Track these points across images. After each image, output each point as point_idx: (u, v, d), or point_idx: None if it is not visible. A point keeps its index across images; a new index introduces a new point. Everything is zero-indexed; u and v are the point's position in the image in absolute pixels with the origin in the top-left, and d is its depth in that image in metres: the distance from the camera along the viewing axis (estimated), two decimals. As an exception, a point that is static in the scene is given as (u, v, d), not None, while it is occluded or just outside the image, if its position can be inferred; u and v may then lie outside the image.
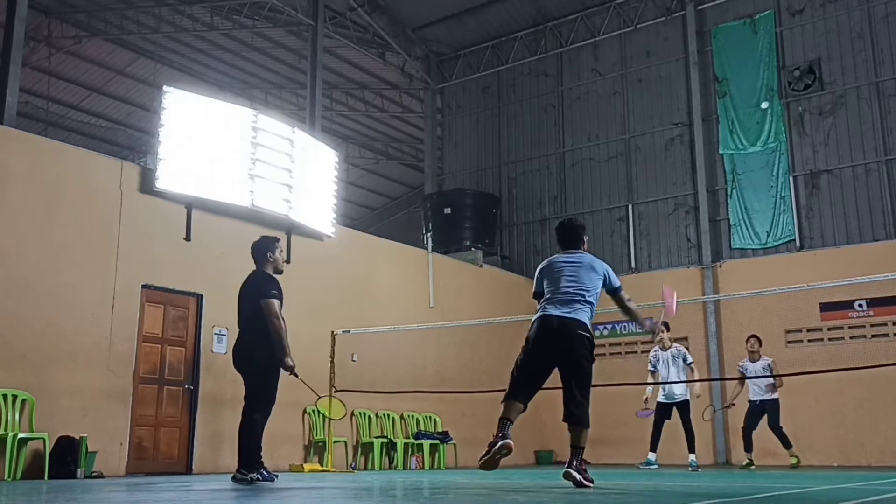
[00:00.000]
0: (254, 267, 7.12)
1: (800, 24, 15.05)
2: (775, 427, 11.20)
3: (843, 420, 13.01)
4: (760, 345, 11.47)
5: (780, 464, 13.25)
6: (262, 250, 7.05)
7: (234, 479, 6.50)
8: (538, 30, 18.14)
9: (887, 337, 12.92)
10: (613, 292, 6.22)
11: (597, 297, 6.07)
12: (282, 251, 7.26)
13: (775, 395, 11.21)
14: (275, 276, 7.03)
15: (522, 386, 5.90)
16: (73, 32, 17.76)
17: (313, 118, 15.06)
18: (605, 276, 6.09)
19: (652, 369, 11.16)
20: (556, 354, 5.87)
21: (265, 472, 6.55)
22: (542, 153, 17.70)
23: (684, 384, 10.82)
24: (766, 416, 11.28)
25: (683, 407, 10.80)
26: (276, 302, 6.81)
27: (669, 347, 11.10)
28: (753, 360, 11.38)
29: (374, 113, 22.65)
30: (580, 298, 5.95)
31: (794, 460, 11.21)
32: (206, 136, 10.56)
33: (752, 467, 11.14)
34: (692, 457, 10.78)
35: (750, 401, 11.36)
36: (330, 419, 10.08)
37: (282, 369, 6.93)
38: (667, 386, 10.79)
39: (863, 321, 13.12)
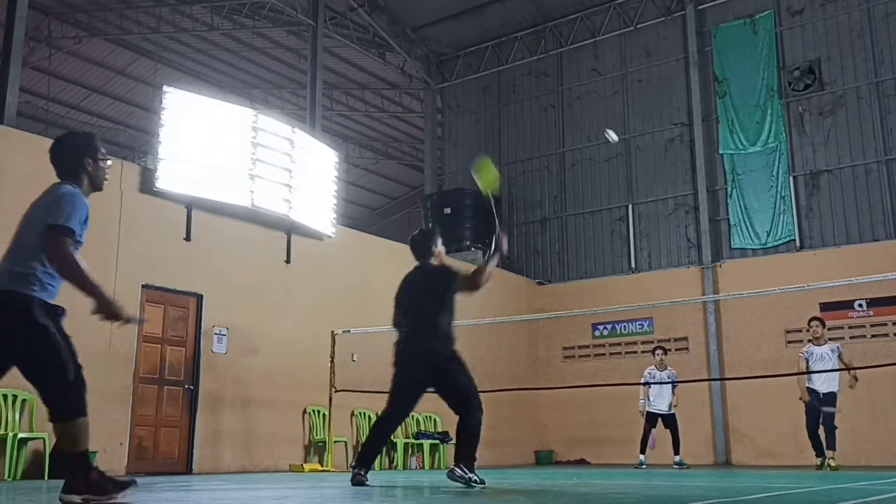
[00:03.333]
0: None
1: (800, 24, 15.05)
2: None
3: (843, 420, 12.94)
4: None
5: (780, 464, 13.26)
6: (425, 244, 6.47)
7: (451, 473, 5.78)
8: (538, 30, 18.14)
9: (887, 337, 12.92)
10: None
11: None
12: (442, 243, 6.59)
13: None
14: None
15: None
16: (73, 32, 17.77)
17: (313, 118, 15.06)
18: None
19: (645, 384, 12.19)
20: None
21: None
22: (542, 153, 17.70)
23: (669, 400, 12.16)
24: None
25: (670, 419, 12.11)
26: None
27: (665, 370, 12.22)
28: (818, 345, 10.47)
29: (374, 113, 22.64)
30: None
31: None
32: (206, 136, 10.56)
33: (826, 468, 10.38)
34: (677, 457, 11.95)
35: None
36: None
37: (457, 362, 6.15)
38: (656, 401, 12.09)
39: (863, 321, 13.12)
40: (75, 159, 4.42)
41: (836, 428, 10.15)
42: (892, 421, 12.65)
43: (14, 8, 10.94)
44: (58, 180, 4.37)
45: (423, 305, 6.19)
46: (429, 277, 6.30)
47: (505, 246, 6.22)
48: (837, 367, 10.11)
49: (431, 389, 6.16)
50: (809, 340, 10.58)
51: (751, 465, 13.54)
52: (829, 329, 13.23)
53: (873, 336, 13.00)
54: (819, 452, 10.30)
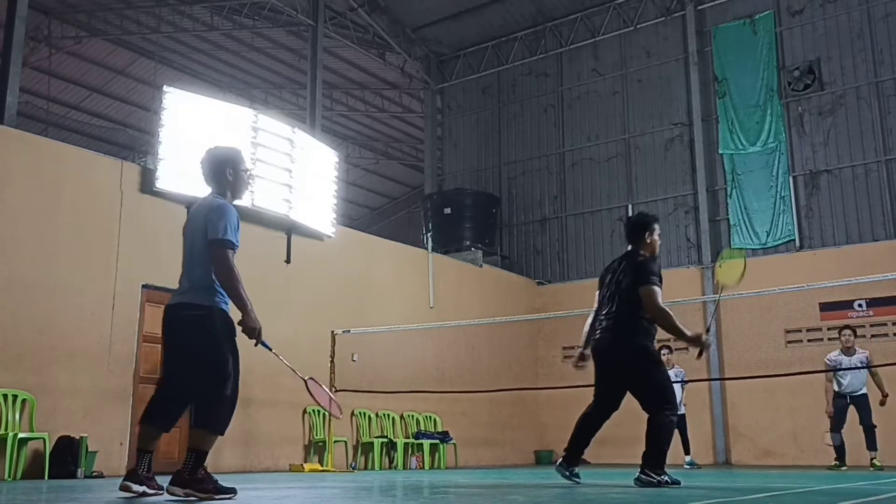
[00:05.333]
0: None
1: (799, 25, 15.06)
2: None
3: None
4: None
5: (780, 464, 13.27)
6: (641, 228, 6.00)
7: (638, 480, 5.60)
8: (538, 30, 18.14)
9: (887, 337, 12.93)
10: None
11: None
12: (660, 233, 6.12)
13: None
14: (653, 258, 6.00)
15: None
16: (74, 32, 17.78)
17: (313, 118, 15.06)
18: None
19: None
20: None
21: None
22: (542, 153, 17.71)
23: (681, 400, 12.24)
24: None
25: (679, 419, 11.94)
26: (657, 291, 5.68)
27: (672, 369, 12.15)
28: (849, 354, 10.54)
29: (374, 113, 22.66)
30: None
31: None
32: (206, 137, 10.54)
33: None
34: (688, 457, 12.09)
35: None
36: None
37: (650, 357, 5.88)
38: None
39: (863, 321, 13.11)
40: (216, 171, 4.82)
41: (875, 427, 10.19)
42: (892, 421, 12.63)
43: (14, 8, 10.93)
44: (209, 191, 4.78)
45: (618, 295, 5.81)
46: (627, 266, 5.85)
47: (706, 344, 5.77)
48: (867, 373, 10.27)
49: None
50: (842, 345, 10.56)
51: (751, 464, 13.54)
52: (828, 329, 13.31)
53: (873, 336, 13.01)
54: (839, 455, 10.29)
